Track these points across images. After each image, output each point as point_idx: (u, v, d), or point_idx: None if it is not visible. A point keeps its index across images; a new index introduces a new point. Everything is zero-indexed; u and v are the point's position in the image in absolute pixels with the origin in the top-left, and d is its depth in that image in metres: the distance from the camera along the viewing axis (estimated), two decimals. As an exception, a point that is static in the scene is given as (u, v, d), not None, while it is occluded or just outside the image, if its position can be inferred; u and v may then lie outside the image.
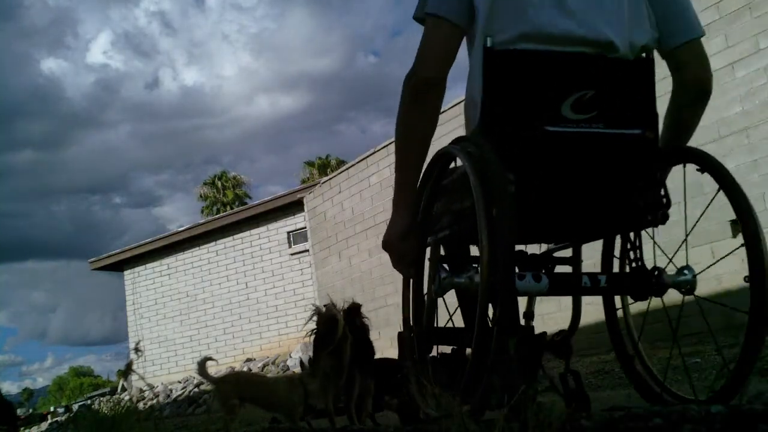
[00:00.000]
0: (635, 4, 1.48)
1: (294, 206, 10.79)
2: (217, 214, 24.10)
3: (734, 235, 4.65)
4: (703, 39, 1.66)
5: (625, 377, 1.89)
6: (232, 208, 23.55)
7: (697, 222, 1.75)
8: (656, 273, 1.62)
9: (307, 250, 10.42)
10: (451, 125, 7.14)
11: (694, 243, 4.86)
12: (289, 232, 11.25)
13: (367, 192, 8.49)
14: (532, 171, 1.41)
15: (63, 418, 13.05)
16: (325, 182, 9.77)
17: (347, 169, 9.16)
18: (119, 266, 13.51)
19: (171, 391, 11.07)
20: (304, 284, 10.91)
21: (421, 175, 1.58)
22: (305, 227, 10.35)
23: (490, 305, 1.24)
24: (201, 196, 31.63)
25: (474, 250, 1.47)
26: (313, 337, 2.03)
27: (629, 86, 1.49)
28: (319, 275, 9.45)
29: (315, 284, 9.86)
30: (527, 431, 1.05)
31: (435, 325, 1.61)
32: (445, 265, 1.50)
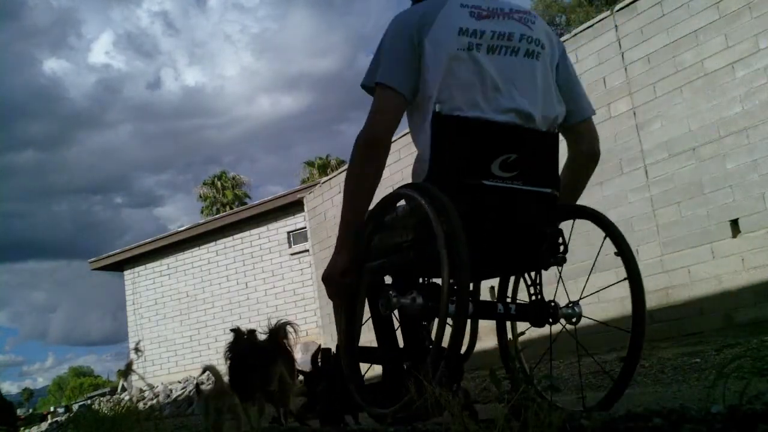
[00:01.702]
0: (547, 85, 1.82)
1: (294, 206, 10.79)
2: (216, 214, 24.09)
3: (734, 236, 4.64)
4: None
5: None
6: (231, 209, 23.55)
7: (597, 257, 2.04)
8: (552, 305, 1.90)
9: (307, 250, 10.42)
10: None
11: (694, 243, 4.86)
12: (289, 232, 11.25)
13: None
14: (469, 216, 1.64)
15: (63, 418, 13.04)
16: (325, 182, 9.77)
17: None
18: (119, 266, 13.51)
19: (171, 391, 11.06)
20: (304, 284, 10.91)
21: (375, 210, 1.84)
22: (305, 227, 10.35)
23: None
24: (201, 197, 31.64)
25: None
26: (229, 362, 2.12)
27: (541, 153, 1.83)
28: (319, 275, 9.44)
29: (315, 284, 9.86)
30: (527, 431, 1.05)
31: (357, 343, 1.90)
32: (391, 290, 1.74)
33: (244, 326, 2.25)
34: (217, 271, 12.01)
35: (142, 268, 13.12)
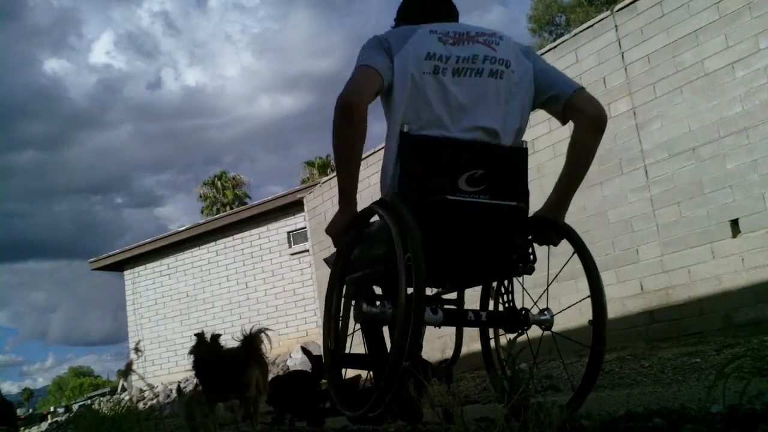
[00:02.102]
0: (511, 101, 1.93)
1: (294, 206, 10.78)
2: (216, 214, 24.08)
3: (734, 236, 4.64)
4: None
5: (624, 377, 2.04)
6: (231, 208, 23.54)
7: (561, 270, 2.04)
8: (523, 312, 2.00)
9: (307, 250, 10.41)
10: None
11: (694, 243, 4.86)
12: (289, 232, 11.24)
13: (367, 192, 8.47)
14: (435, 230, 1.77)
15: (63, 418, 13.04)
16: (325, 182, 9.76)
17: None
18: (119, 266, 13.50)
19: (171, 391, 11.06)
20: (304, 284, 10.90)
21: (354, 224, 1.97)
22: (305, 227, 10.34)
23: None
24: (201, 197, 31.63)
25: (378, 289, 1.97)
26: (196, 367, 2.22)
27: (508, 168, 1.94)
28: (319, 275, 9.45)
29: (315, 284, 9.86)
30: (527, 431, 1.05)
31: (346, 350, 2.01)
32: (364, 299, 1.86)
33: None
34: (217, 271, 12.00)
35: (142, 268, 13.11)
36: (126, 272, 13.36)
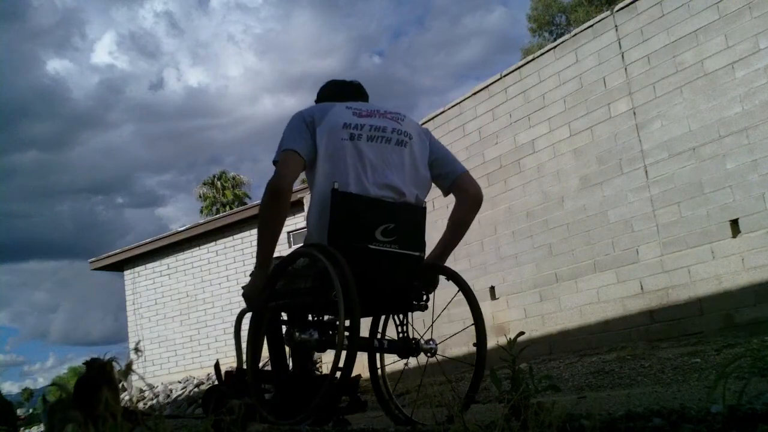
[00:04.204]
0: (414, 167, 2.33)
1: (294, 206, 10.78)
2: (216, 214, 24.07)
3: (734, 236, 4.64)
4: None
5: (624, 377, 2.08)
6: (231, 208, 23.53)
7: (447, 306, 2.45)
8: (414, 341, 2.41)
9: (307, 250, 10.40)
10: (453, 123, 7.14)
11: (694, 243, 4.86)
12: (289, 232, 11.24)
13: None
14: (358, 271, 2.02)
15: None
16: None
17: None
18: (119, 266, 13.49)
19: (171, 391, 11.06)
20: (304, 284, 10.90)
21: (281, 262, 2.26)
22: (305, 227, 10.34)
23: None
24: (200, 197, 31.62)
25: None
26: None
27: (412, 223, 2.32)
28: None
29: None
30: (527, 431, 1.05)
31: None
32: (295, 326, 2.19)
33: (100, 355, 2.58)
34: (217, 271, 12.00)
35: (142, 268, 13.11)
36: (126, 272, 13.36)
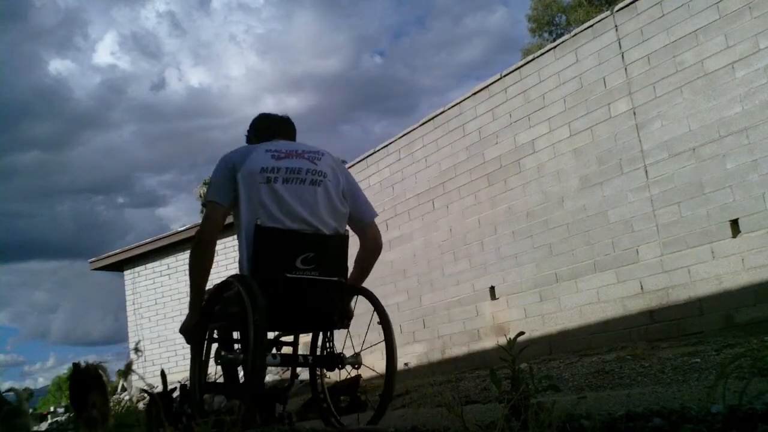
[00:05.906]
0: (329, 202, 2.60)
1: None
2: (217, 214, 23.99)
3: (734, 236, 4.64)
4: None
5: (624, 377, 2.05)
6: (232, 208, 23.48)
7: (368, 326, 2.67)
8: (340, 356, 2.70)
9: (307, 250, 10.39)
10: (452, 124, 7.14)
11: (694, 243, 4.86)
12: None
13: (367, 192, 8.43)
14: (281, 297, 2.42)
15: (63, 418, 13.04)
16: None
17: (347, 168, 9.09)
18: (119, 266, 13.48)
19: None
20: (304, 284, 10.90)
21: (214, 289, 2.64)
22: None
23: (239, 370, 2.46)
24: (200, 196, 31.61)
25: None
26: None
27: (331, 251, 2.58)
28: (319, 275, 9.44)
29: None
30: (527, 431, 1.05)
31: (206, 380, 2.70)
32: (222, 347, 2.63)
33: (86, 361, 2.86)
34: (217, 271, 11.90)
35: (142, 268, 13.10)
36: (126, 272, 13.35)
